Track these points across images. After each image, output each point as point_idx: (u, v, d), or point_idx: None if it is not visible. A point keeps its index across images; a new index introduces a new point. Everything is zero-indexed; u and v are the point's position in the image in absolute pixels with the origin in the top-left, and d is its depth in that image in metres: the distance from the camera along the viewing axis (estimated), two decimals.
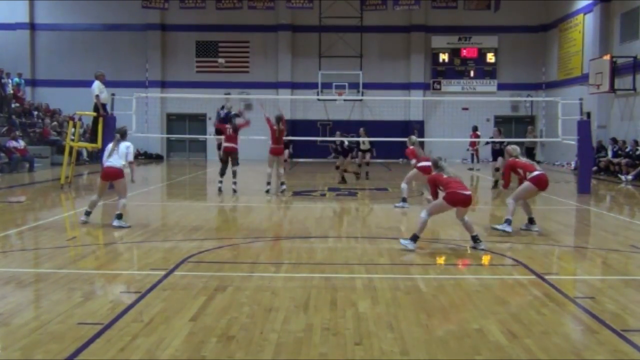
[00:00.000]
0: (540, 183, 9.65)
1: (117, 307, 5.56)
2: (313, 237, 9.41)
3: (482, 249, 8.26)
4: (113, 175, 10.06)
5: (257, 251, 8.49)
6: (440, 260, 7.96)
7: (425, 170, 11.77)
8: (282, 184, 15.41)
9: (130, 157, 10.15)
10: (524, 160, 9.98)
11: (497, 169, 17.13)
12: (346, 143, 18.03)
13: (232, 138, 15.20)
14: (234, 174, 15.07)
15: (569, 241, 9.77)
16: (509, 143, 12.07)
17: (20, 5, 31.02)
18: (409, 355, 4.51)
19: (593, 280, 6.99)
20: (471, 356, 4.50)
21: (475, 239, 8.34)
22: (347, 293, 6.14)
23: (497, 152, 17.55)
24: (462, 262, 7.93)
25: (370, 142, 19.44)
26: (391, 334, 4.95)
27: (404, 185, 12.76)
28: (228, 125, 15.47)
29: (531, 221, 9.99)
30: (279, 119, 15.25)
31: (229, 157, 15.32)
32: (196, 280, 6.59)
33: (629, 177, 19.74)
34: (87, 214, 10.25)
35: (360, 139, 19.43)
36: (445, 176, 8.39)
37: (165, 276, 6.71)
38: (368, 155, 19.55)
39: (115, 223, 9.90)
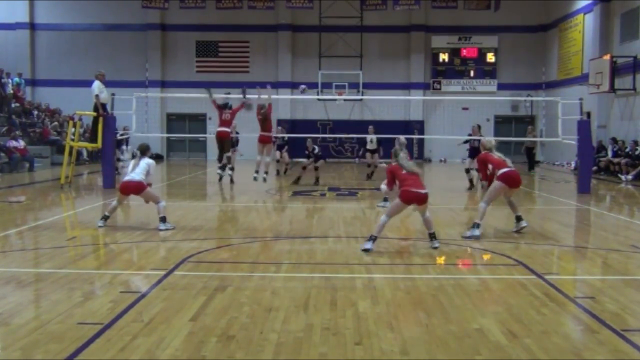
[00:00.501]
0: (509, 180, 9.38)
1: (117, 307, 5.55)
2: (313, 237, 9.41)
3: (436, 247, 8.25)
4: (133, 189, 9.84)
5: (257, 251, 8.49)
6: (440, 260, 7.95)
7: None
8: (265, 172, 15.33)
9: (150, 179, 9.94)
10: (496, 155, 9.63)
11: (467, 170, 16.93)
12: (317, 149, 18.03)
13: (226, 122, 15.03)
14: (227, 159, 15.22)
15: (569, 241, 9.77)
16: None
17: (20, 5, 31.03)
18: (409, 355, 4.51)
19: (593, 280, 6.98)
20: (471, 356, 4.50)
21: (431, 236, 8.35)
22: (347, 293, 6.14)
23: (476, 150, 16.97)
24: (462, 262, 7.93)
25: (378, 141, 19.11)
26: (391, 333, 4.95)
27: (383, 187, 12.54)
28: (225, 110, 15.22)
29: (518, 219, 9.83)
30: (262, 107, 15.14)
31: (222, 143, 15.21)
32: (196, 280, 6.59)
33: (629, 176, 19.73)
34: (105, 218, 9.96)
35: (368, 137, 19.17)
36: (403, 171, 8.32)
37: (165, 276, 6.71)
38: (376, 156, 19.16)
39: (162, 227, 9.70)
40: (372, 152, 19.17)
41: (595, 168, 20.64)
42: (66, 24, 31.42)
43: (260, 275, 6.92)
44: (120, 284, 6.47)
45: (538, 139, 27.13)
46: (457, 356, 4.51)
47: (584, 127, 15.91)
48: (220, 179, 15.86)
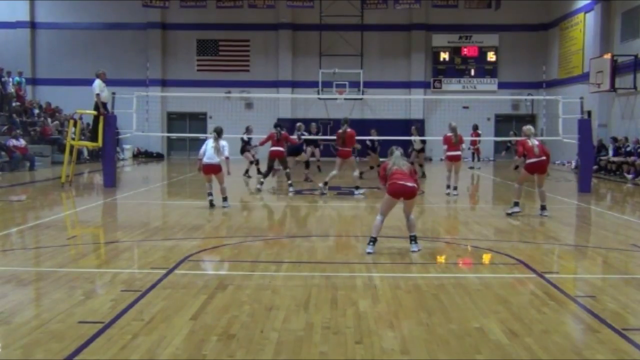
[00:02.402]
0: (530, 169, 11.17)
1: (117, 305, 5.56)
2: (314, 236, 9.41)
3: (415, 251, 7.98)
4: (212, 170, 11.92)
5: (258, 250, 8.48)
6: (441, 259, 7.96)
7: (449, 158, 14.64)
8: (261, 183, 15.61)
9: (226, 153, 11.89)
10: (530, 143, 11.19)
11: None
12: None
13: (279, 142, 15.47)
14: (286, 176, 15.41)
15: (570, 240, 9.76)
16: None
17: (21, 4, 31.02)
18: (409, 354, 4.51)
19: (593, 279, 6.99)
20: (472, 355, 4.50)
21: (412, 238, 8.10)
22: (348, 292, 6.14)
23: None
24: (462, 261, 7.93)
25: (422, 142, 19.32)
26: (392, 332, 4.95)
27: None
28: (275, 131, 15.71)
29: (516, 204, 11.38)
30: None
31: (276, 160, 15.62)
32: (197, 278, 6.59)
33: (629, 175, 19.69)
34: (211, 194, 12.13)
35: (413, 138, 19.02)
36: (394, 167, 8.09)
37: (166, 275, 6.71)
38: (422, 155, 19.23)
39: (225, 204, 12.08)
40: (418, 152, 19.24)
41: (595, 167, 20.62)
42: (67, 22, 31.41)
43: (260, 274, 6.93)
44: (121, 283, 6.47)
45: (539, 138, 27.07)
46: (458, 355, 4.51)
47: (584, 126, 15.90)
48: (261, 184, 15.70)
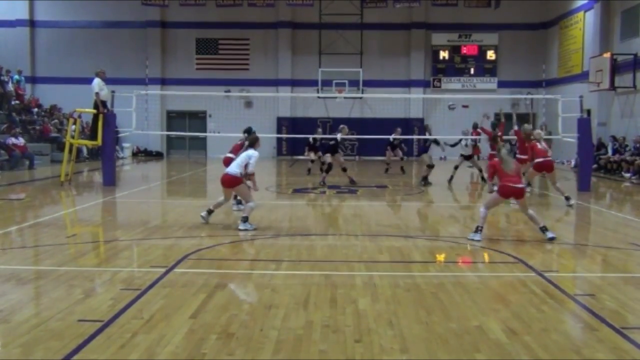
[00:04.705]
0: (537, 168, 12.50)
1: (117, 304, 5.56)
2: (313, 235, 9.41)
3: (552, 237, 8.63)
4: (227, 183, 9.67)
5: (257, 248, 8.49)
6: (440, 257, 7.96)
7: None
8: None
9: (250, 168, 9.53)
10: (540, 146, 12.39)
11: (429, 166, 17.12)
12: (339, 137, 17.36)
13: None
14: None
15: (569, 238, 9.76)
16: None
17: (21, 3, 31.00)
18: (408, 353, 4.51)
19: (593, 278, 6.99)
20: (471, 353, 4.51)
21: (542, 229, 8.78)
22: (347, 290, 6.14)
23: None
24: (462, 260, 7.93)
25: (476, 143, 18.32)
26: (391, 331, 4.96)
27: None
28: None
29: (567, 198, 12.50)
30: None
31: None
32: (196, 277, 6.59)
33: (628, 174, 19.68)
34: (210, 212, 10.02)
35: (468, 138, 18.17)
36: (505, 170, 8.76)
37: (165, 273, 6.72)
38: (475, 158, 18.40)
39: (241, 226, 9.52)
40: (467, 158, 18.37)
41: (595, 166, 20.61)
42: (66, 21, 31.39)
43: (260, 273, 6.93)
44: (121, 282, 6.47)
45: (552, 137, 27.06)
46: (457, 353, 4.52)
47: (584, 125, 15.90)
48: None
